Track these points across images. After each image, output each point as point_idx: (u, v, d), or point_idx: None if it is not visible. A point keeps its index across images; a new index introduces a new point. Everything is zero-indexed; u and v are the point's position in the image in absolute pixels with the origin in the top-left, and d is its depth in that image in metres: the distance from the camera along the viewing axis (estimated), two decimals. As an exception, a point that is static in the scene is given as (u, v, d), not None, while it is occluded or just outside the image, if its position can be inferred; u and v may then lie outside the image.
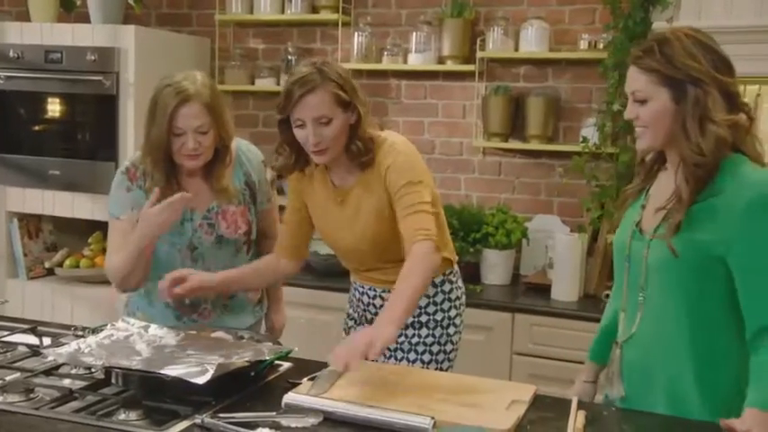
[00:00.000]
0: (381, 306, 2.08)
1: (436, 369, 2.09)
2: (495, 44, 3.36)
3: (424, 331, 2.10)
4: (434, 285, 2.10)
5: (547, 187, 3.44)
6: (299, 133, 1.91)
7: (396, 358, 2.10)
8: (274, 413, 1.48)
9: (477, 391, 1.65)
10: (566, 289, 3.01)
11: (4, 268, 3.66)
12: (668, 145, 1.63)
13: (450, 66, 3.43)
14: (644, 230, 1.68)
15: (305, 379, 1.66)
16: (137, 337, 1.76)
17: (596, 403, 1.62)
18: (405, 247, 1.87)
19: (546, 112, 3.32)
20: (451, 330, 2.13)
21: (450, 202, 3.43)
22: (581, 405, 1.57)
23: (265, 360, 1.64)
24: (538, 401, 1.63)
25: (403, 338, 2.10)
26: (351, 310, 2.24)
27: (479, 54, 3.36)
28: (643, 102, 1.61)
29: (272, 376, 1.71)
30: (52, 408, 1.50)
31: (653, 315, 1.65)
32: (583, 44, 3.25)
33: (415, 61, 3.49)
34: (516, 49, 3.37)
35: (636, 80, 1.62)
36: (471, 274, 3.29)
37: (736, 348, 1.58)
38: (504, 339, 2.98)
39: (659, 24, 2.83)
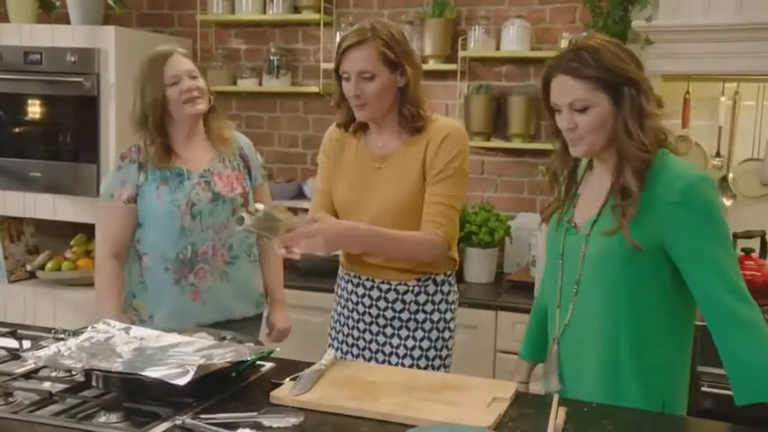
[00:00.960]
0: (378, 298, 2.08)
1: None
2: (476, 43, 3.37)
3: (419, 333, 2.09)
4: (435, 284, 2.10)
5: (529, 185, 3.46)
6: (345, 86, 1.99)
7: (390, 363, 2.10)
8: (255, 413, 1.48)
9: (459, 389, 1.65)
10: (548, 287, 3.03)
11: (-15, 272, 3.63)
12: (607, 148, 1.66)
13: (432, 65, 3.44)
14: (578, 226, 1.71)
15: (287, 379, 1.66)
16: (117, 339, 1.75)
17: (578, 400, 1.63)
18: (422, 222, 1.97)
19: (528, 111, 3.33)
20: (447, 334, 2.13)
21: (433, 202, 3.44)
22: (562, 402, 1.58)
23: (246, 361, 1.64)
24: (519, 399, 1.64)
25: (398, 341, 2.10)
26: (339, 308, 2.22)
27: (461, 53, 3.37)
28: (583, 110, 1.63)
29: (254, 377, 1.71)
30: (31, 411, 1.49)
31: (589, 305, 1.69)
32: (564, 43, 3.26)
33: (397, 61, 3.48)
34: (498, 49, 3.38)
35: (573, 89, 1.62)
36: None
37: (670, 335, 1.65)
38: (488, 337, 2.99)
39: (638, 23, 2.86)
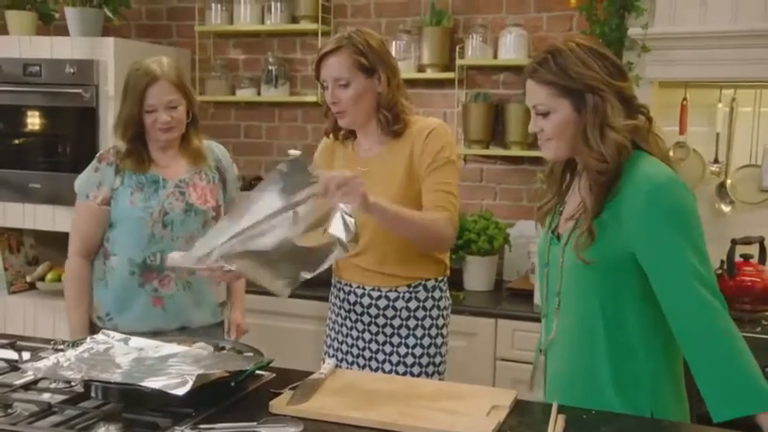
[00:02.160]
0: (369, 305, 2.09)
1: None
2: (474, 52, 3.38)
3: (411, 340, 2.09)
4: (426, 290, 2.11)
5: (528, 193, 3.46)
6: (325, 94, 2.05)
7: (383, 370, 2.10)
8: (255, 423, 1.48)
9: (458, 398, 1.65)
10: (548, 294, 3.03)
11: (-15, 283, 3.63)
12: (574, 154, 1.66)
13: (429, 74, 3.45)
14: (560, 236, 1.71)
15: (286, 388, 1.66)
16: (116, 350, 1.75)
17: (576, 407, 1.63)
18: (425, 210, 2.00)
19: (526, 119, 3.24)
20: (439, 341, 2.13)
21: (432, 210, 3.44)
22: (561, 409, 1.58)
23: (246, 370, 1.64)
24: (519, 407, 1.63)
25: (391, 348, 2.10)
26: (333, 315, 2.22)
27: (459, 62, 3.38)
28: (545, 114, 1.63)
29: (253, 386, 1.70)
30: (30, 423, 1.48)
31: (569, 318, 1.68)
32: (561, 51, 3.28)
33: (395, 70, 3.50)
34: (495, 57, 3.39)
35: (536, 94, 1.64)
36: (454, 280, 3.26)
37: (650, 342, 1.61)
38: (488, 345, 2.99)
39: (634, 30, 2.87)
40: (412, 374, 2.08)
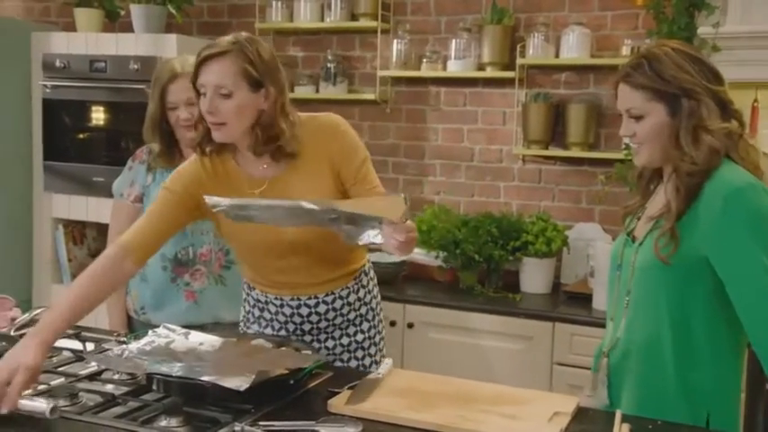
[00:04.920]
0: (309, 314, 1.96)
1: (371, 363, 2.02)
2: (535, 50, 3.33)
3: (351, 329, 2.01)
4: (355, 279, 2.01)
5: (588, 195, 3.40)
6: (201, 102, 1.79)
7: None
8: (313, 422, 1.47)
9: (519, 402, 1.62)
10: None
11: (50, 274, 3.73)
12: (666, 160, 1.64)
13: (489, 72, 3.41)
14: (636, 239, 1.70)
15: (344, 388, 1.65)
16: (178, 344, 1.78)
17: (641, 417, 1.58)
18: None
19: (587, 119, 3.28)
20: (377, 321, 2.07)
21: (489, 210, 3.41)
22: (625, 418, 1.54)
23: (305, 368, 1.64)
24: (581, 414, 1.60)
25: (334, 343, 2.01)
26: (259, 328, 2.04)
27: (519, 61, 3.33)
28: (639, 118, 1.62)
29: (312, 385, 1.70)
30: (96, 413, 1.52)
31: (637, 317, 1.66)
32: (625, 50, 3.20)
33: (454, 68, 3.47)
34: (557, 56, 3.33)
35: (629, 97, 1.63)
36: (511, 282, 3.26)
37: (717, 349, 1.60)
38: (545, 349, 2.94)
39: (705, 30, 2.78)
40: (356, 359, 2.02)
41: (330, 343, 2.01)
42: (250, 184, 1.86)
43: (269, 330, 2.02)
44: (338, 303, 1.99)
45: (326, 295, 1.97)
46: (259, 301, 2.02)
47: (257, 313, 2.04)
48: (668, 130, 1.61)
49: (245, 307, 2.10)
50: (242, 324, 2.11)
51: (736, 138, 1.61)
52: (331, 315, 1.99)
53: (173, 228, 1.88)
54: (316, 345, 2.00)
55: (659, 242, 1.59)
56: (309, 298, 1.96)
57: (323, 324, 2.00)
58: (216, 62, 1.76)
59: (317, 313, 1.98)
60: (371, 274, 2.11)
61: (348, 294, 2.00)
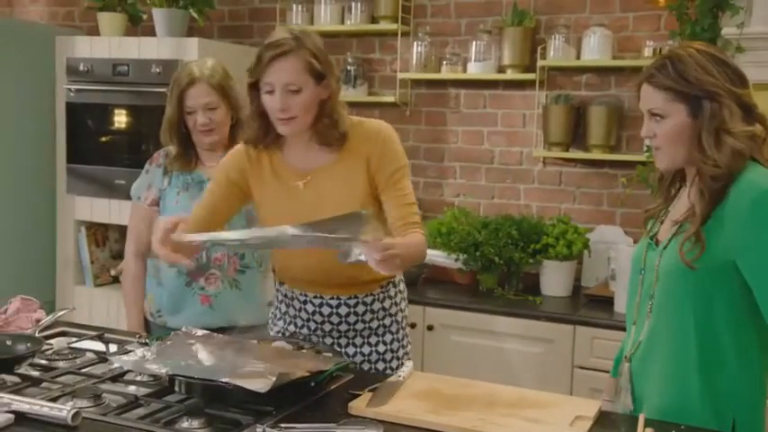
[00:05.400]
0: (330, 314, 1.98)
1: (389, 372, 2.00)
2: (556, 52, 3.32)
3: (373, 339, 2.02)
4: (382, 288, 2.02)
5: (609, 198, 3.37)
6: (266, 99, 1.84)
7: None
8: (334, 424, 1.48)
9: (540, 406, 1.61)
10: (629, 302, 2.94)
11: (72, 275, 3.77)
12: (688, 163, 1.63)
13: (510, 75, 3.40)
14: (659, 242, 1.69)
15: (365, 390, 1.65)
16: (199, 346, 1.78)
17: (665, 421, 1.57)
18: (393, 229, 1.85)
19: (608, 121, 3.26)
20: (401, 336, 2.06)
21: (509, 213, 3.40)
22: (648, 423, 1.53)
23: (326, 371, 1.64)
24: (603, 418, 1.59)
25: (354, 350, 2.02)
26: (284, 324, 2.07)
27: (540, 62, 3.32)
28: (660, 119, 1.62)
29: (333, 387, 1.71)
30: (119, 414, 1.53)
31: (660, 321, 1.65)
32: (647, 51, 3.18)
33: (474, 70, 3.46)
34: (578, 57, 3.32)
35: (651, 98, 1.63)
36: (531, 285, 3.25)
37: (741, 351, 1.58)
38: (565, 352, 2.93)
39: (729, 30, 2.75)
40: (377, 370, 2.01)
41: (351, 350, 2.02)
42: (295, 176, 1.92)
43: (292, 327, 2.05)
44: (360, 309, 2.00)
45: (349, 298, 1.98)
46: (286, 296, 2.06)
47: (284, 309, 2.08)
48: (689, 131, 1.60)
49: (273, 302, 2.16)
50: (270, 321, 2.15)
51: (760, 141, 1.60)
52: (352, 319, 2.00)
53: (224, 215, 2.00)
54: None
55: (684, 246, 1.58)
56: (332, 298, 1.98)
57: (343, 327, 2.00)
58: (283, 60, 1.81)
59: (338, 314, 1.99)
60: (401, 287, 2.11)
61: (372, 302, 2.01)
